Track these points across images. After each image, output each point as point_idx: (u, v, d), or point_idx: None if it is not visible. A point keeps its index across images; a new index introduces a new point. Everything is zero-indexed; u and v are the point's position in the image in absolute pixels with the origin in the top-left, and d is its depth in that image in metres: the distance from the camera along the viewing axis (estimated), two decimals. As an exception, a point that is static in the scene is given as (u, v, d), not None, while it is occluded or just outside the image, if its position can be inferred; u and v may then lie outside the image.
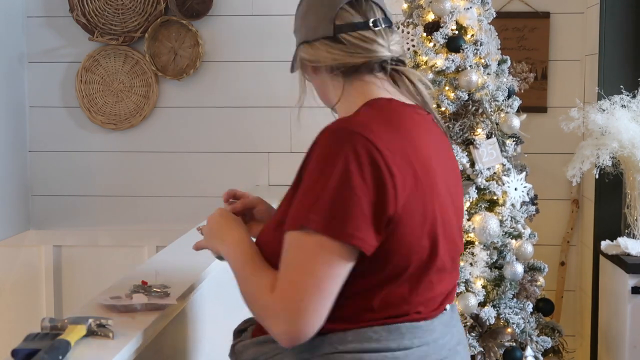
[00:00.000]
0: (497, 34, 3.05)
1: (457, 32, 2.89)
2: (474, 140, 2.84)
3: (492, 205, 2.87)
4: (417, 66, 2.92)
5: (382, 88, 1.46)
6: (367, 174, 1.30)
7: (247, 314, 1.48)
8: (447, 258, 1.43)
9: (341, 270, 1.31)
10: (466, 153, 2.84)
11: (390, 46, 1.45)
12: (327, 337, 1.36)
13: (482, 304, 2.81)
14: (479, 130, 2.85)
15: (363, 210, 1.29)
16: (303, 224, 1.30)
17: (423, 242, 1.37)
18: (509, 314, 2.82)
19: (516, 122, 2.92)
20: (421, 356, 1.40)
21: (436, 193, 1.40)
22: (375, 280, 1.36)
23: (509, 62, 3.05)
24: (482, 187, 2.84)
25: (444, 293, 1.47)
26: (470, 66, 2.85)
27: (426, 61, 2.89)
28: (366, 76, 1.46)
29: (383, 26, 1.45)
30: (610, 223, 3.31)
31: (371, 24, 1.45)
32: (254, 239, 1.55)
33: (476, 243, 2.81)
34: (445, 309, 1.48)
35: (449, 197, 1.45)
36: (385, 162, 1.31)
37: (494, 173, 2.89)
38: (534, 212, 3.04)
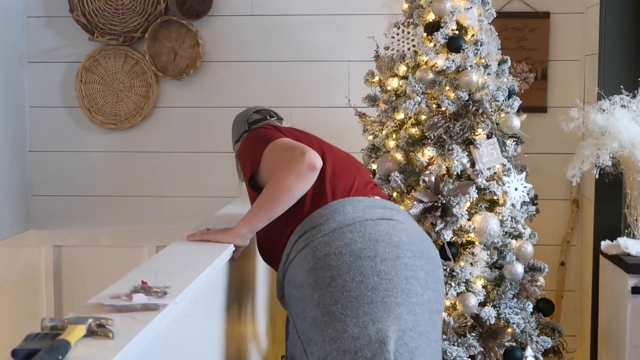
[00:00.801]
0: (497, 34, 3.05)
1: (457, 32, 2.89)
2: (474, 140, 2.84)
3: (492, 205, 2.87)
4: (417, 66, 2.92)
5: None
6: None
7: (247, 314, 1.48)
8: None
9: None
10: (466, 153, 2.84)
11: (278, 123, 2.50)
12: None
13: (482, 304, 2.81)
14: (479, 130, 2.85)
15: None
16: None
17: None
18: (509, 314, 2.82)
19: (516, 122, 2.92)
20: None
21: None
22: None
23: (509, 62, 3.05)
24: (482, 187, 2.84)
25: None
26: (470, 66, 2.85)
27: (426, 61, 2.89)
28: None
29: (275, 118, 2.54)
30: (610, 223, 3.31)
31: (268, 117, 2.54)
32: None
33: (476, 243, 2.81)
34: None
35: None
36: None
37: (494, 173, 2.89)
38: (534, 212, 3.04)
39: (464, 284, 2.77)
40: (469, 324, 2.79)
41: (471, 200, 2.82)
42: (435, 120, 2.82)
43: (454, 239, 2.80)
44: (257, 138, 2.32)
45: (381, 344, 1.91)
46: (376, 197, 2.21)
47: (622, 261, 2.95)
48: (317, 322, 1.96)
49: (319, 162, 2.08)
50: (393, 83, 2.98)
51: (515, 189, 2.91)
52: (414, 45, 2.94)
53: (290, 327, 2.13)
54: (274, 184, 2.10)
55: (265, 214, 2.14)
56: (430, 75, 2.86)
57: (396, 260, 2.00)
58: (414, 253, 2.05)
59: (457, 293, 2.78)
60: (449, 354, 2.69)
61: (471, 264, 2.80)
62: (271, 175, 2.15)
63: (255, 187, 2.26)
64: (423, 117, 2.87)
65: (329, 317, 1.94)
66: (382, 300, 1.95)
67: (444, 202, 2.75)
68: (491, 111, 2.88)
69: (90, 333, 1.36)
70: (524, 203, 2.97)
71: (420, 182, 2.76)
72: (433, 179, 2.76)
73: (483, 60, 2.90)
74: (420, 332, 2.00)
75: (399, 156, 2.88)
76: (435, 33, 2.86)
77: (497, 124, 2.90)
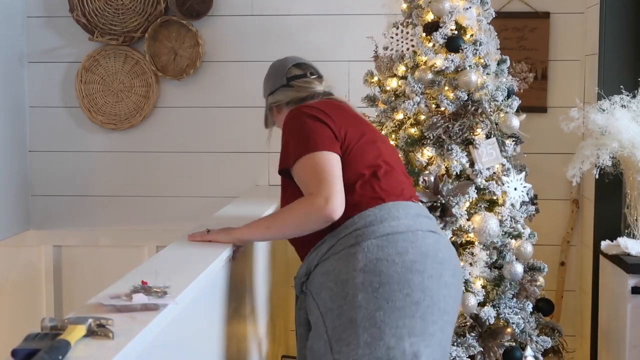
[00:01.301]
0: (496, 34, 3.05)
1: (456, 32, 2.89)
2: (474, 140, 2.84)
3: (491, 205, 2.88)
4: (416, 66, 2.92)
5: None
6: None
7: (247, 314, 1.48)
8: None
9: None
10: (466, 153, 2.84)
11: (322, 87, 2.39)
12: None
13: (481, 304, 2.81)
14: (479, 130, 2.85)
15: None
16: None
17: None
18: (508, 314, 2.82)
19: (516, 122, 2.92)
20: None
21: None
22: None
23: (508, 62, 3.05)
24: (481, 187, 2.84)
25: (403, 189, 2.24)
26: (469, 66, 2.85)
27: (425, 61, 2.89)
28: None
29: (315, 76, 2.41)
30: (610, 223, 3.31)
31: (309, 74, 2.41)
32: None
33: (476, 243, 2.81)
34: None
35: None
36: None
37: (494, 173, 2.89)
38: (533, 212, 3.04)
39: (463, 284, 2.77)
40: (468, 324, 2.79)
41: (470, 200, 2.82)
42: (435, 120, 2.82)
43: (453, 239, 2.80)
44: (302, 132, 2.14)
45: (414, 357, 1.95)
46: (419, 203, 2.21)
47: (622, 261, 2.95)
48: (354, 323, 1.95)
49: (337, 214, 2.01)
50: (392, 83, 2.98)
51: (515, 189, 2.91)
52: (413, 46, 2.94)
53: (315, 318, 2.07)
54: (289, 214, 2.09)
55: (269, 235, 2.24)
56: (429, 76, 2.86)
57: (440, 278, 2.02)
58: (452, 271, 2.08)
59: (457, 293, 2.78)
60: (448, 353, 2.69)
61: (470, 264, 2.80)
62: (297, 182, 2.12)
63: (284, 173, 2.19)
64: (422, 117, 2.87)
65: (369, 322, 1.94)
66: (422, 317, 1.98)
67: (443, 202, 2.75)
68: (490, 111, 2.88)
69: (90, 333, 1.37)
70: (523, 203, 2.98)
71: (420, 182, 2.77)
72: (432, 179, 2.76)
73: (482, 60, 2.90)
74: (444, 349, 2.08)
75: (398, 156, 2.88)
76: (434, 33, 2.86)
77: (496, 124, 2.91)
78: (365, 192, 2.09)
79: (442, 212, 2.75)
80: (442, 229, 2.74)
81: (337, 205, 2.00)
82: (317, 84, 2.36)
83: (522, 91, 3.39)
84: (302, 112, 2.18)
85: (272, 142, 2.60)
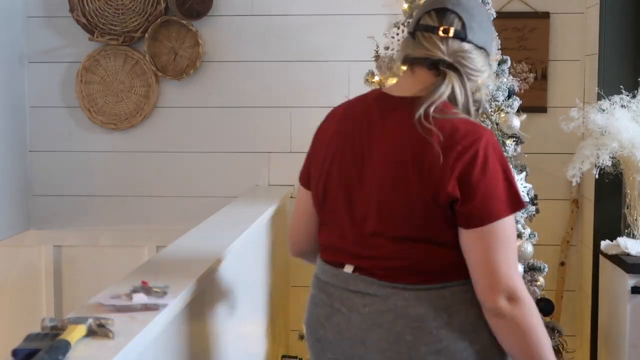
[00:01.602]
0: (497, 34, 3.05)
1: (457, 32, 2.88)
2: (474, 140, 2.84)
3: (492, 205, 2.87)
4: (417, 66, 2.91)
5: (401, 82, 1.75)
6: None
7: (247, 314, 1.48)
8: (342, 206, 1.68)
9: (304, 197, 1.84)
10: (466, 153, 2.84)
11: (447, 52, 1.63)
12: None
13: (482, 304, 2.81)
14: (479, 130, 2.84)
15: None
16: (516, 209, 1.62)
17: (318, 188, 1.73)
18: (509, 314, 2.81)
19: (516, 122, 2.92)
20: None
21: (339, 158, 1.70)
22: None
23: (509, 62, 3.04)
24: (482, 187, 2.83)
25: (341, 248, 1.70)
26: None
27: (426, 61, 2.89)
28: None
29: (451, 35, 1.64)
30: (610, 223, 3.31)
31: (441, 32, 1.64)
32: None
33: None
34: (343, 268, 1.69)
35: (356, 165, 1.68)
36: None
37: (494, 173, 2.88)
38: (534, 212, 3.04)
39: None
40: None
41: (471, 200, 2.81)
42: (435, 120, 2.82)
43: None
44: None
45: None
46: (344, 271, 1.68)
47: (622, 261, 2.95)
48: None
49: (292, 252, 1.92)
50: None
51: (515, 189, 2.90)
52: (413, 45, 2.93)
53: None
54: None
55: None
56: (430, 75, 2.86)
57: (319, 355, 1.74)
58: (335, 356, 1.69)
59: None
60: (448, 353, 2.69)
61: (471, 264, 2.79)
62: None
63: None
64: (423, 117, 2.87)
65: None
66: None
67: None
68: (491, 111, 2.88)
69: (90, 333, 1.37)
70: (523, 203, 2.97)
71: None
72: (433, 179, 2.75)
73: (483, 60, 2.90)
74: None
75: (398, 156, 2.88)
76: (435, 33, 2.86)
77: (497, 124, 2.90)
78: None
79: (442, 212, 2.74)
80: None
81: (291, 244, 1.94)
82: (441, 46, 1.65)
83: (522, 91, 3.39)
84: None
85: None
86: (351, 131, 1.69)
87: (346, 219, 1.67)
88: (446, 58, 1.62)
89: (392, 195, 1.60)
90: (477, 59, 1.66)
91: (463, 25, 1.63)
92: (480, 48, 1.66)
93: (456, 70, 1.63)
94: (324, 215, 1.74)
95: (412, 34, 1.68)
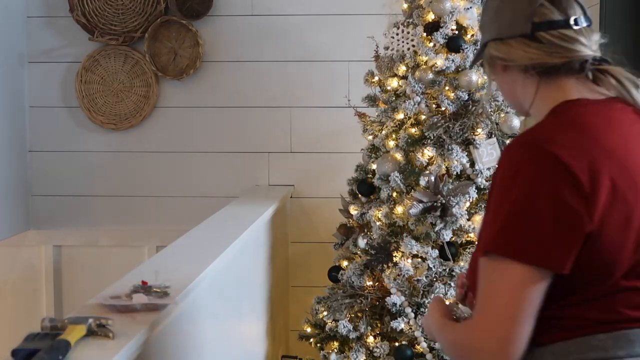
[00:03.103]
0: (497, 34, 3.05)
1: (457, 32, 2.89)
2: (474, 140, 2.84)
3: (492, 205, 2.87)
4: (417, 66, 2.92)
5: (576, 90, 1.36)
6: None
7: (247, 314, 1.48)
8: None
9: (536, 293, 1.23)
10: (466, 153, 2.84)
11: (592, 45, 1.38)
12: (548, 348, 1.29)
13: (482, 304, 2.81)
14: (479, 130, 2.85)
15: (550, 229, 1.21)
16: (488, 249, 1.25)
17: (626, 252, 1.25)
18: (509, 314, 2.81)
19: (516, 122, 2.92)
20: None
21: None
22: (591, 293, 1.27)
23: (509, 62, 3.04)
24: (482, 187, 2.83)
25: None
26: (470, 66, 2.85)
27: (426, 61, 2.89)
28: (563, 77, 1.36)
29: (584, 25, 1.40)
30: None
31: (572, 22, 1.38)
32: None
33: (476, 243, 2.81)
34: None
35: None
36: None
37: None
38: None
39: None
40: (468, 324, 2.79)
41: (471, 200, 2.81)
42: (435, 120, 2.82)
43: (453, 239, 2.80)
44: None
45: None
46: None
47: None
48: None
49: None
50: (393, 83, 2.98)
51: (515, 189, 2.90)
52: (413, 45, 2.94)
53: None
54: (452, 338, 1.44)
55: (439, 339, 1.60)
56: (430, 75, 2.86)
57: None
58: None
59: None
60: (448, 353, 2.69)
61: (471, 264, 2.80)
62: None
63: None
64: (423, 117, 2.87)
65: None
66: None
67: (444, 202, 2.75)
68: (491, 111, 2.88)
69: (90, 333, 1.37)
70: (523, 203, 2.97)
71: (423, 182, 2.76)
72: (433, 179, 2.76)
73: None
74: None
75: (398, 156, 2.88)
76: (435, 33, 2.86)
77: (497, 124, 2.90)
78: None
79: (442, 212, 2.75)
80: (442, 229, 2.74)
81: (511, 355, 1.33)
82: (584, 41, 1.38)
83: (522, 91, 3.39)
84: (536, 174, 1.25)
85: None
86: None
87: None
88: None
89: None
90: None
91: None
92: None
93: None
94: None
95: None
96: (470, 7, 2.91)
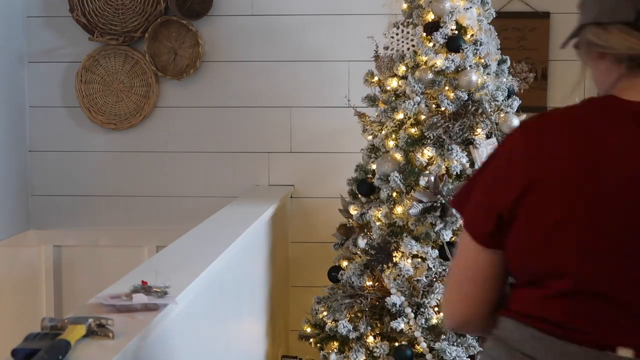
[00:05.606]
0: (497, 34, 3.05)
1: (456, 32, 2.89)
2: (474, 140, 2.84)
3: (492, 205, 2.87)
4: (416, 66, 2.92)
5: None
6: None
7: (247, 314, 1.48)
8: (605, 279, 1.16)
9: (473, 261, 1.25)
10: (466, 153, 2.84)
11: None
12: (499, 320, 1.29)
13: (482, 304, 2.81)
14: (479, 130, 2.85)
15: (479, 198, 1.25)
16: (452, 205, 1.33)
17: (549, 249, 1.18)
18: (508, 314, 2.82)
19: (516, 122, 2.92)
20: None
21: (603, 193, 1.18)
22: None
23: (508, 62, 3.05)
24: (482, 187, 2.84)
25: (602, 322, 1.17)
26: (470, 66, 2.85)
27: (426, 61, 2.89)
28: None
29: None
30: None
31: None
32: None
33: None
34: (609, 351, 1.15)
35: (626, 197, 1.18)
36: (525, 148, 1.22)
37: (494, 173, 2.88)
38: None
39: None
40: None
41: (471, 200, 2.82)
42: (435, 120, 2.82)
43: (453, 239, 2.80)
44: None
45: None
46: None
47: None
48: None
49: (448, 324, 1.38)
50: (392, 83, 2.98)
51: (515, 189, 2.90)
52: (413, 45, 2.94)
53: None
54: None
55: None
56: (430, 75, 2.86)
57: None
58: None
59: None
60: (448, 354, 2.69)
61: (471, 263, 2.80)
62: None
63: None
64: (422, 117, 2.87)
65: None
66: None
67: (444, 202, 2.75)
68: (490, 111, 2.88)
69: (90, 333, 1.37)
70: (523, 203, 2.97)
71: (423, 182, 2.76)
72: (432, 179, 2.76)
73: (482, 60, 2.90)
74: None
75: (398, 156, 2.88)
76: (435, 33, 2.86)
77: (497, 124, 2.90)
78: None
79: (442, 212, 2.75)
80: (442, 229, 2.74)
81: (445, 317, 1.47)
82: None
83: (522, 91, 3.39)
84: (504, 144, 1.31)
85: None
86: None
87: None
88: None
89: None
90: None
91: None
92: None
93: None
94: None
95: None
96: (470, 7, 2.91)
